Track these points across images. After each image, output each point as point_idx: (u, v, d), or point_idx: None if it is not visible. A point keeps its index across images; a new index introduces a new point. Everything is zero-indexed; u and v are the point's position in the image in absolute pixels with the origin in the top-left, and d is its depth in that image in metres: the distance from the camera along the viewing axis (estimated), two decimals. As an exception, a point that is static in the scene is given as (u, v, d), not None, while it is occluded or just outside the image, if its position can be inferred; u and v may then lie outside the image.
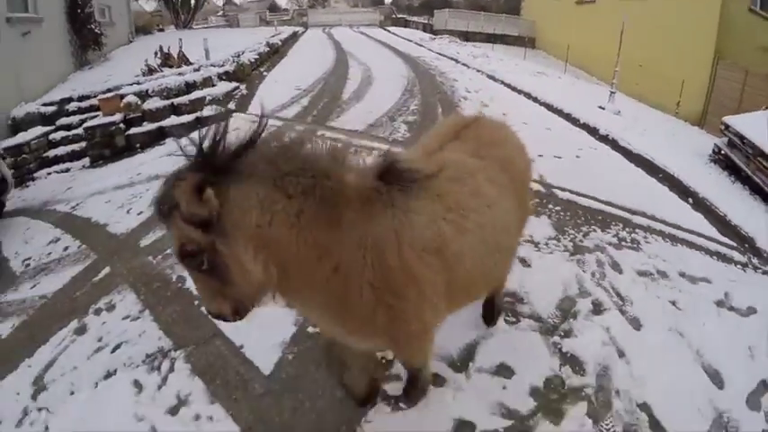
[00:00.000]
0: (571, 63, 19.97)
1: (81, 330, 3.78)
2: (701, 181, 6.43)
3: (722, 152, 7.76)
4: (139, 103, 9.58)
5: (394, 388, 2.75)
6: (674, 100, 14.40)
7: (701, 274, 4.13)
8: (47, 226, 6.15)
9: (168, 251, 4.38)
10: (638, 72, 15.01)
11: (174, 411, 2.85)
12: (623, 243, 4.44)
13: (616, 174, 6.25)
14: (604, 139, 7.63)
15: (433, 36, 23.80)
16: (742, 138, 7.22)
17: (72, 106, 10.60)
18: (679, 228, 4.99)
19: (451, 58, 15.29)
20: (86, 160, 9.36)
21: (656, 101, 14.42)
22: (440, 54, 16.39)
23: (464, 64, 14.24)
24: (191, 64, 12.32)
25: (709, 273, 4.18)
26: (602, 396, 2.76)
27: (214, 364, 3.10)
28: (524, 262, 3.89)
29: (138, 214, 5.79)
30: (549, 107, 9.49)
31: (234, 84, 11.07)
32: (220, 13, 37.97)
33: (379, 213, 1.90)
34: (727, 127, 7.69)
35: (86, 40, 14.25)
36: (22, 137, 9.18)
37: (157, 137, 9.25)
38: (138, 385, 3.17)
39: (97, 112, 9.88)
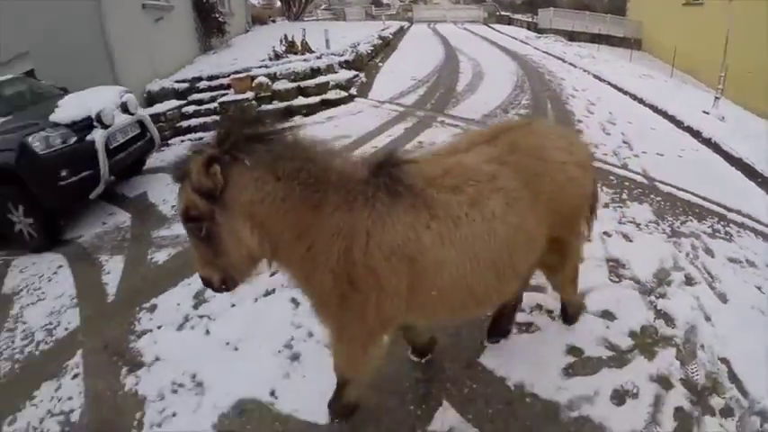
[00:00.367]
0: (678, 67, 19.29)
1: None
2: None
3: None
4: (270, 83, 10.37)
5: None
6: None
7: (789, 269, 4.32)
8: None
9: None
10: (746, 79, 14.44)
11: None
12: (717, 234, 4.71)
13: (716, 175, 6.39)
14: (707, 142, 7.68)
15: (539, 35, 23.50)
16: None
17: (202, 84, 11.46)
18: (773, 229, 5.14)
19: (558, 58, 15.31)
20: (217, 132, 10.32)
21: (764, 109, 13.87)
22: (546, 53, 16.39)
23: (571, 63, 14.28)
24: (313, 52, 13.01)
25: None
26: (689, 347, 3.14)
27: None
28: (627, 237, 4.37)
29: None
30: (655, 109, 9.51)
31: (353, 72, 11.62)
32: (323, 6, 38.65)
33: (358, 209, 1.97)
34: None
35: (211, 27, 15.37)
36: (158, 108, 9.97)
37: (285, 115, 9.94)
38: (295, 302, 3.70)
39: (225, 91, 10.79)
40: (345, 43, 14.13)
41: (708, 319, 3.45)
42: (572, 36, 25.98)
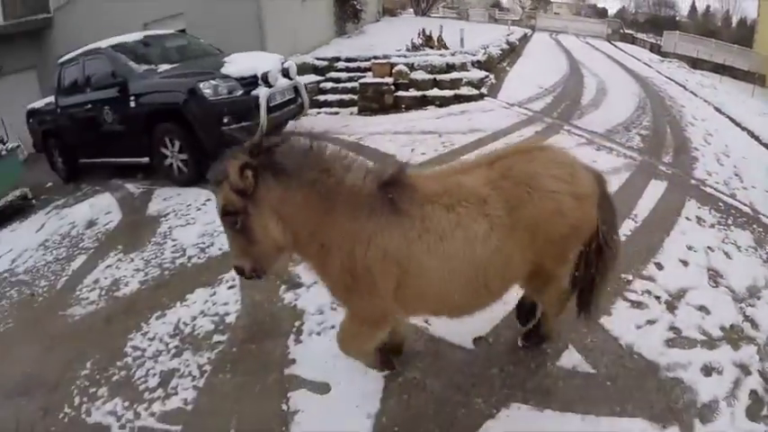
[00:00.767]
0: (804, 110, 18.16)
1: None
2: None
3: None
4: (408, 72, 10.97)
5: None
6: None
7: None
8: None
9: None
10: None
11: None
12: (817, 269, 4.93)
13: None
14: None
15: (662, 58, 22.73)
16: None
17: (340, 64, 12.37)
18: None
19: (680, 84, 15.00)
20: (353, 109, 11.03)
21: None
22: (669, 78, 16.04)
23: (692, 92, 14.00)
24: (447, 48, 13.52)
25: None
26: (769, 349, 3.60)
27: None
28: (727, 255, 4.75)
29: (422, 154, 7.23)
30: (772, 149, 9.33)
31: (484, 72, 11.89)
32: (443, 4, 38.23)
33: (365, 217, 2.24)
34: None
35: (347, 14, 16.45)
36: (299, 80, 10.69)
37: (420, 102, 10.63)
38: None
39: (362, 73, 11.58)
40: (476, 44, 14.47)
41: (789, 331, 3.85)
42: (695, 63, 24.71)
